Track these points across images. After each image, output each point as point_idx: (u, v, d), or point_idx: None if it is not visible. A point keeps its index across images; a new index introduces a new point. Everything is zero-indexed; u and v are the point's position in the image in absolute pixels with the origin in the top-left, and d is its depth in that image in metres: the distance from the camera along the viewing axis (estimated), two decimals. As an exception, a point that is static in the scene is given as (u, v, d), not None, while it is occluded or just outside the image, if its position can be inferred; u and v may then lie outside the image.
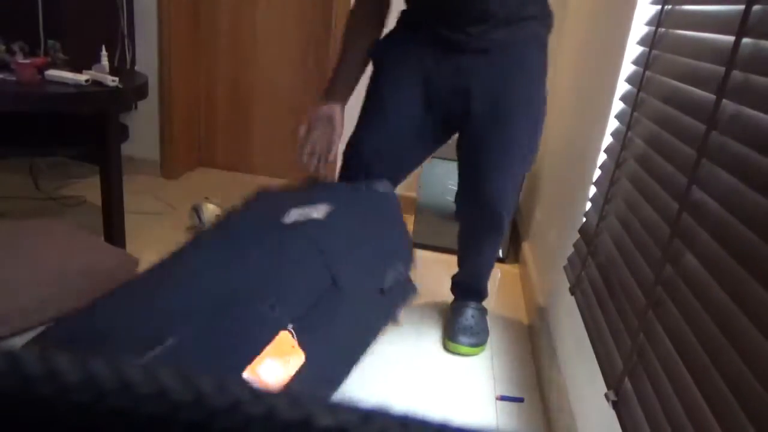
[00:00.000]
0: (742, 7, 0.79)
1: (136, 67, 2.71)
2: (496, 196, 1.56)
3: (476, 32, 1.44)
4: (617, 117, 1.35)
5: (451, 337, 1.74)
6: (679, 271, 0.86)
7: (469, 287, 1.83)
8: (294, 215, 1.26)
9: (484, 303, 1.86)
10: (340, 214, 1.24)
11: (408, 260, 1.37)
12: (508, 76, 1.48)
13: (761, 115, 0.73)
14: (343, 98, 1.54)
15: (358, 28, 1.53)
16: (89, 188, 2.64)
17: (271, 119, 3.00)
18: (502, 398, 1.57)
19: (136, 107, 2.82)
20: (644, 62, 1.19)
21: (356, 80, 1.55)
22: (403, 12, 1.57)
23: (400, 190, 2.77)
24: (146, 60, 2.71)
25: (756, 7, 0.76)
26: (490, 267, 1.81)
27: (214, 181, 2.97)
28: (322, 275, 1.13)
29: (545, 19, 1.53)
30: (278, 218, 1.25)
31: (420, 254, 2.41)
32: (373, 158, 1.55)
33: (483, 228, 1.66)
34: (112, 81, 1.77)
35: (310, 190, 1.38)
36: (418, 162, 1.67)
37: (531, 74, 1.51)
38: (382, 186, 1.31)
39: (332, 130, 1.52)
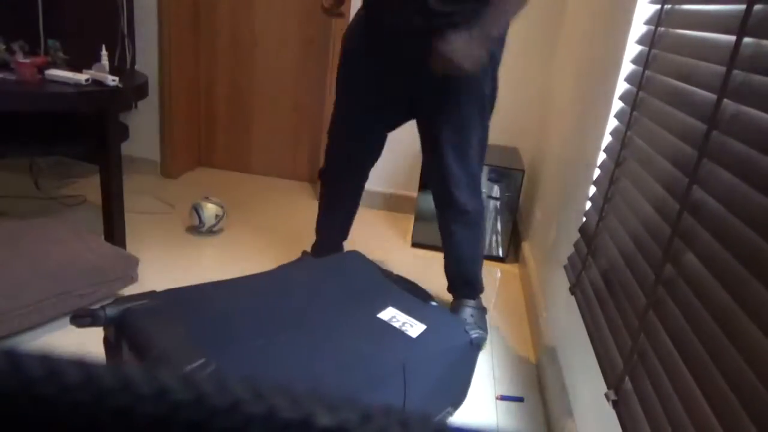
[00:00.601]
0: (743, 6, 0.79)
1: (136, 67, 2.71)
2: (453, 184, 1.66)
3: (419, 22, 1.50)
4: (617, 116, 1.34)
5: None
6: (679, 270, 0.86)
7: (455, 280, 1.85)
8: (389, 313, 1.34)
9: (484, 303, 1.86)
10: (431, 342, 1.29)
11: (458, 404, 1.44)
12: None
13: (762, 114, 0.73)
14: None
15: None
16: (89, 188, 2.63)
17: (271, 119, 3.00)
18: (503, 398, 1.57)
19: (136, 107, 2.82)
20: (644, 61, 1.19)
21: None
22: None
23: (401, 189, 2.78)
24: (146, 59, 2.71)
25: (757, 7, 0.76)
26: (475, 261, 1.83)
27: (214, 180, 2.97)
28: (397, 392, 1.20)
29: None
30: (374, 311, 1.34)
31: (420, 254, 2.41)
32: (352, 148, 1.80)
33: (447, 215, 1.74)
34: (112, 80, 1.77)
35: (416, 295, 1.47)
36: (383, 144, 1.84)
37: None
38: (476, 332, 1.36)
39: None
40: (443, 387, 1.33)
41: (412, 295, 1.44)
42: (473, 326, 1.36)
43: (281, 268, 1.53)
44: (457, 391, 1.39)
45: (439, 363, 1.28)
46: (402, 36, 1.54)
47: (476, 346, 1.35)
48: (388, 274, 1.55)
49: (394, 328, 1.29)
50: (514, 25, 1.51)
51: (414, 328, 1.30)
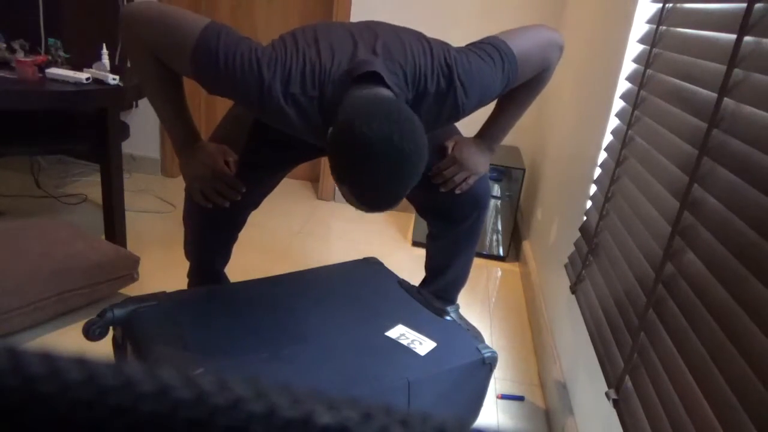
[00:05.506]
0: (743, 5, 0.79)
1: (136, 66, 2.71)
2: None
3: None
4: (617, 115, 1.34)
5: None
6: (679, 269, 0.86)
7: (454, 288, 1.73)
8: (399, 330, 1.31)
9: (485, 302, 1.85)
10: (439, 359, 1.25)
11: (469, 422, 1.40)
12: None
13: (763, 113, 0.73)
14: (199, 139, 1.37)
15: (172, 85, 1.34)
16: (90, 186, 2.64)
17: (272, 117, 2.99)
18: (503, 397, 1.57)
19: (136, 105, 2.82)
20: (645, 60, 1.19)
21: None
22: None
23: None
24: (147, 58, 2.71)
25: (758, 6, 0.76)
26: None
27: (215, 179, 2.97)
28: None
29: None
30: (384, 327, 1.31)
31: (421, 254, 2.40)
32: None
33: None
34: (112, 79, 1.77)
35: (428, 308, 1.43)
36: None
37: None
38: (489, 351, 1.32)
39: (216, 164, 1.34)
40: (451, 405, 1.30)
41: (427, 309, 1.42)
42: (486, 345, 1.34)
43: (297, 274, 1.52)
44: (466, 409, 1.37)
45: (446, 381, 1.26)
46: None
47: (488, 365, 1.32)
48: (405, 286, 1.53)
49: (402, 345, 1.26)
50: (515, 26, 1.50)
51: (423, 345, 1.27)
